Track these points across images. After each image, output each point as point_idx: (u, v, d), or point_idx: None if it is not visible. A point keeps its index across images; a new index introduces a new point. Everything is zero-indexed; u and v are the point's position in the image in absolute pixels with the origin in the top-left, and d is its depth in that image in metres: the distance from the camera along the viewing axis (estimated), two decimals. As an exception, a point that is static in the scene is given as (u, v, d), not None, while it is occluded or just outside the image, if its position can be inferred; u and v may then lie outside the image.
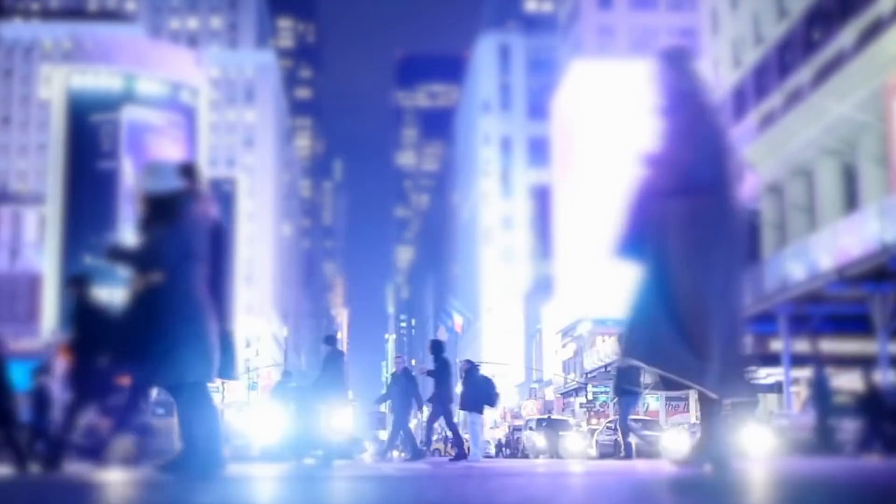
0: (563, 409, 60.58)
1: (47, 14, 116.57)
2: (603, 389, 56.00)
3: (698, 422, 20.09)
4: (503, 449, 49.00)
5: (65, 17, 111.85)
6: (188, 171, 6.84)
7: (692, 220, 5.35)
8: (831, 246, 27.53)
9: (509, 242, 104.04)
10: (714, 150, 5.47)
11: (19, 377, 11.28)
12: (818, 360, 20.64)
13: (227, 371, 6.81)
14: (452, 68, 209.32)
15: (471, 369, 17.61)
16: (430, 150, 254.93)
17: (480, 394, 17.14)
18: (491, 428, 70.47)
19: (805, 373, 23.57)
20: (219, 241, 6.81)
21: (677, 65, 5.64)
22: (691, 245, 5.32)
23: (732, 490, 3.90)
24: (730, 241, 5.41)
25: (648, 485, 4.47)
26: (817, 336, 26.58)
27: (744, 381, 5.42)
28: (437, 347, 17.12)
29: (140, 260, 6.06)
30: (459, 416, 20.16)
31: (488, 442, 56.86)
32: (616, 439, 23.15)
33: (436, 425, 18.70)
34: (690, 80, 5.62)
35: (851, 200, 34.10)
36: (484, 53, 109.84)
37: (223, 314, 6.59)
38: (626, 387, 17.28)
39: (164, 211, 6.08)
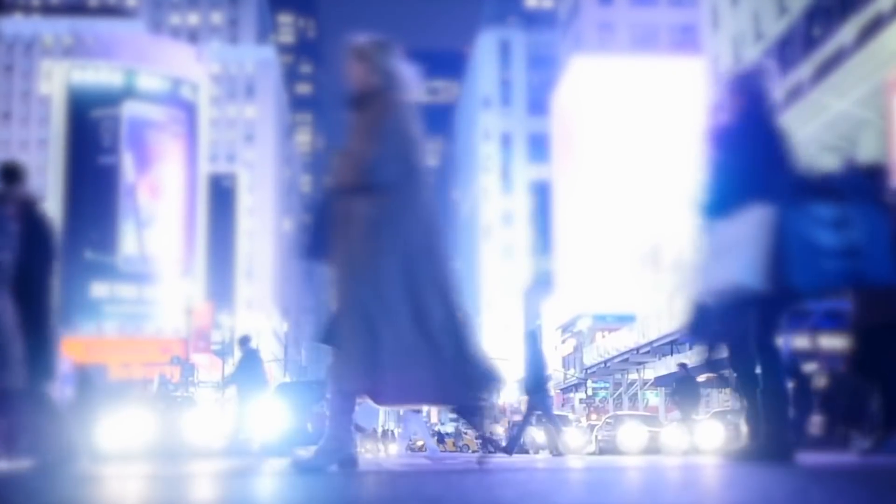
0: (562, 405, 60.65)
1: (48, 9, 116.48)
2: (602, 385, 56.06)
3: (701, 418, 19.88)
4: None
5: (65, 13, 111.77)
6: (8, 172, 6.72)
7: (372, 219, 5.17)
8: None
9: (509, 238, 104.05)
10: (402, 147, 5.29)
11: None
12: (683, 364, 20.77)
13: (41, 375, 6.53)
14: (453, 64, 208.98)
15: None
16: (431, 145, 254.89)
17: None
18: (491, 424, 70.49)
19: (807, 368, 23.58)
20: (40, 242, 6.64)
21: (367, 59, 5.46)
22: (370, 245, 5.16)
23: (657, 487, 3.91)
24: (417, 244, 5.21)
25: (649, 480, 4.48)
26: (817, 332, 26.59)
27: (466, 384, 5.23)
28: None
29: None
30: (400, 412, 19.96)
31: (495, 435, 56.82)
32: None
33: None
34: (382, 75, 5.43)
35: (852, 197, 34.11)
36: (484, 49, 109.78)
37: (40, 317, 6.45)
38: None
39: None
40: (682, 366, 20.92)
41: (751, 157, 5.71)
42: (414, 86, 5.51)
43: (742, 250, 5.50)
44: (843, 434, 14.30)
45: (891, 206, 7.44)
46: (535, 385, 16.18)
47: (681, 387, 20.41)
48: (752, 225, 5.48)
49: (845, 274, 5.40)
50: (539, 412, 16.84)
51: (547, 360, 16.87)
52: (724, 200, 5.67)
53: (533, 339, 16.68)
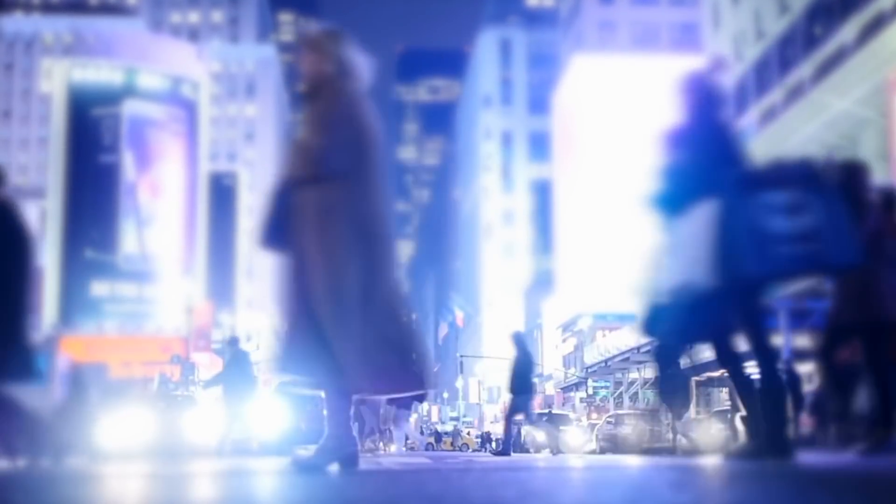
0: (563, 404, 60.67)
1: (48, 7, 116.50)
2: (603, 384, 56.03)
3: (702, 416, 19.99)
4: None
5: (66, 11, 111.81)
6: None
7: (323, 209, 5.18)
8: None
9: (510, 237, 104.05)
10: (352, 137, 5.26)
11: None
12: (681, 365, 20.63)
13: (10, 376, 6.46)
14: (453, 63, 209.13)
15: None
16: (431, 144, 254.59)
17: None
18: (491, 422, 70.60)
19: (806, 368, 23.58)
20: (13, 243, 6.60)
21: (319, 49, 5.46)
22: (322, 236, 5.16)
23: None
24: (367, 233, 5.22)
25: (649, 479, 4.47)
26: (818, 331, 26.61)
27: (406, 375, 5.27)
28: None
29: None
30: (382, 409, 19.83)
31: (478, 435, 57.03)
32: None
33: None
34: (334, 64, 5.42)
35: (852, 196, 34.14)
36: (485, 48, 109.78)
37: (12, 318, 6.41)
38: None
39: None
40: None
41: (701, 155, 5.74)
42: (367, 75, 5.50)
43: (689, 248, 5.53)
44: (836, 434, 14.30)
45: (870, 202, 7.44)
46: (521, 386, 16.09)
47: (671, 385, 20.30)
48: (698, 222, 5.52)
49: (803, 258, 5.38)
50: (521, 413, 16.71)
51: (534, 361, 16.77)
52: (677, 198, 5.71)
53: (520, 340, 16.60)
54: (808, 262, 5.42)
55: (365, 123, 5.36)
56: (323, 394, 5.37)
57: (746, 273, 5.39)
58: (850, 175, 7.37)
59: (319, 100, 5.35)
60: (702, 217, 5.50)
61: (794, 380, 18.00)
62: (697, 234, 5.50)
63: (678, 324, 5.79)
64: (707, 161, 5.69)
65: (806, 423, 18.49)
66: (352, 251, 5.17)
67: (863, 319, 7.40)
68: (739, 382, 5.98)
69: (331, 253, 5.15)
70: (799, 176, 5.50)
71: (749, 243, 5.32)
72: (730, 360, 5.96)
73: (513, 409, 16.47)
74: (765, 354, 5.78)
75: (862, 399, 9.22)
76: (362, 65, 5.48)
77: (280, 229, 5.34)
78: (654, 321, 6.00)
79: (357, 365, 5.11)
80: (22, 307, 6.55)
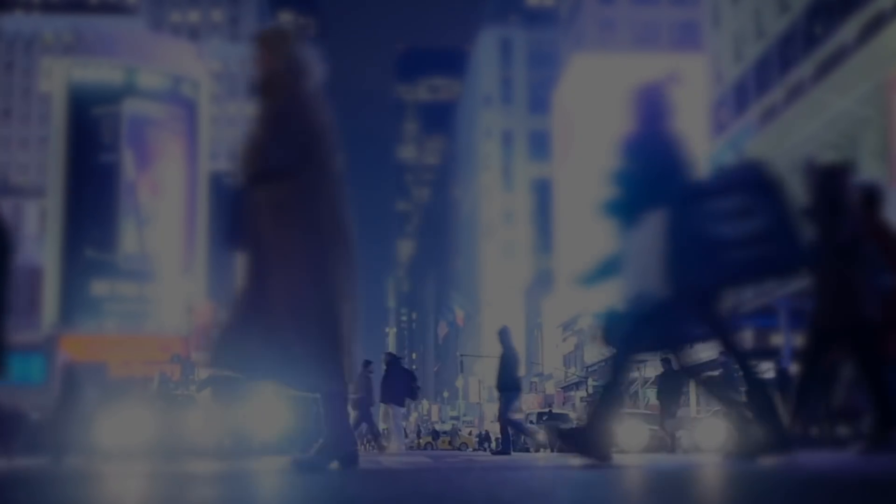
0: (563, 404, 60.66)
1: (48, 6, 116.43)
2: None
3: (700, 415, 20.01)
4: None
5: (66, 10, 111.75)
6: None
7: (274, 206, 5.21)
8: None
9: (510, 236, 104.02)
10: (299, 133, 5.27)
11: (19, 369, 11.25)
12: (667, 360, 20.52)
13: None
14: (454, 62, 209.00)
15: (392, 362, 17.78)
16: (431, 143, 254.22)
17: (401, 386, 17.33)
18: (491, 422, 70.65)
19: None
20: None
21: (272, 46, 5.50)
22: (273, 233, 5.18)
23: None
24: (319, 229, 5.23)
25: (648, 479, 4.47)
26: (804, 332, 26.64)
27: (334, 372, 5.28)
28: None
29: None
30: (381, 408, 19.86)
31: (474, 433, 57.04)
32: None
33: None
34: (284, 62, 5.46)
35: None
36: (485, 47, 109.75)
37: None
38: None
39: None
40: (666, 361, 20.69)
41: (650, 165, 5.81)
42: (317, 72, 5.52)
43: (641, 258, 5.60)
44: (829, 432, 14.27)
45: (851, 204, 7.43)
46: (505, 384, 16.03)
47: (664, 383, 20.26)
48: (648, 232, 5.57)
49: (755, 261, 5.41)
50: (510, 412, 16.65)
51: (518, 357, 16.74)
52: (628, 206, 5.78)
53: (505, 336, 16.56)
54: (761, 265, 5.46)
55: (315, 120, 5.38)
56: (318, 394, 5.38)
57: (697, 282, 5.46)
58: (830, 177, 7.38)
59: (270, 97, 5.39)
60: (651, 227, 5.56)
61: (787, 379, 17.99)
62: (648, 245, 5.57)
63: (631, 333, 5.88)
64: (656, 171, 5.76)
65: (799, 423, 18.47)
66: (304, 247, 5.18)
67: (844, 322, 7.38)
68: (708, 387, 6.11)
69: (284, 250, 5.17)
70: (745, 181, 5.54)
71: (697, 252, 5.38)
72: (691, 368, 6.08)
73: (503, 408, 16.47)
74: (738, 357, 5.84)
75: (839, 398, 9.23)
76: (314, 62, 5.51)
77: (243, 229, 5.36)
78: (612, 331, 6.10)
79: (317, 363, 5.13)
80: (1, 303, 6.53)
